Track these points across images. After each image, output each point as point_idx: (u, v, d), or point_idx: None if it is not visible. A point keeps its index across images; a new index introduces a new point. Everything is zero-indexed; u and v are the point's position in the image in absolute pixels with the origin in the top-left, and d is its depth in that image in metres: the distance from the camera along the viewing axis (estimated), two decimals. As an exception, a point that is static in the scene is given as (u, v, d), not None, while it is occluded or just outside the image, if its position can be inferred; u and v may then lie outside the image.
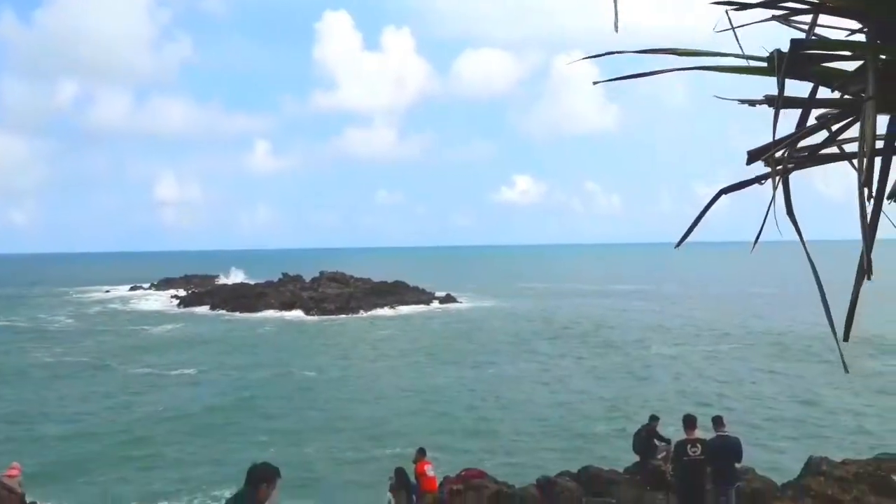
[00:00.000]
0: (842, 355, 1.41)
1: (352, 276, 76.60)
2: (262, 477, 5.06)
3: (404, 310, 65.56)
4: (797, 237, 1.47)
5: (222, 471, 19.95)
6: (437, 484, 12.25)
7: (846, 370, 1.43)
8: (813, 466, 12.72)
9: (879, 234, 1.40)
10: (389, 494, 12.26)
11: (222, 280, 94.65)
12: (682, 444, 8.80)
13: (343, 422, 26.82)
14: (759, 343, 43.50)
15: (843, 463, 12.79)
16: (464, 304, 71.50)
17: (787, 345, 42.17)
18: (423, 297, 72.63)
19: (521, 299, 78.05)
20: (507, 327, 54.12)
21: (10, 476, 12.72)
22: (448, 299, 72.77)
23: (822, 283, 1.42)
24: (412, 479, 12.27)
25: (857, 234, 1.33)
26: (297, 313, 63.25)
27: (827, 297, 1.42)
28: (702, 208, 1.61)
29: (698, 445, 9.13)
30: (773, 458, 19.62)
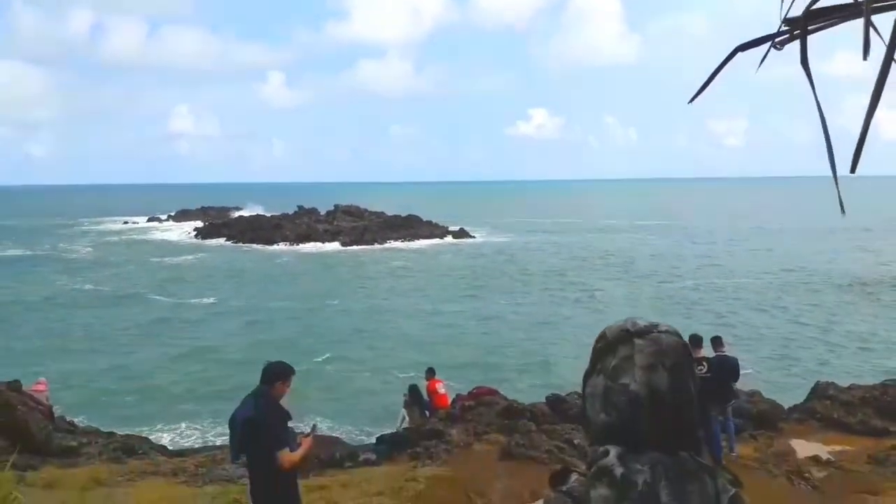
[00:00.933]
0: (839, 194, 1.41)
1: (366, 210, 76.67)
2: (277, 374, 5.22)
3: (417, 244, 65.76)
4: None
5: (243, 392, 20.53)
6: (449, 401, 12.57)
7: (843, 211, 1.44)
8: (819, 391, 12.89)
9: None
10: (403, 410, 12.62)
11: (238, 212, 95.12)
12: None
13: (359, 346, 27.48)
14: (780, 275, 43.46)
15: (850, 388, 12.95)
16: (477, 238, 71.55)
17: (808, 278, 42.10)
18: (437, 231, 72.66)
19: (536, 234, 78.04)
20: (521, 261, 54.32)
21: (37, 391, 13.17)
22: (461, 234, 72.79)
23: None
24: (425, 396, 12.62)
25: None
26: (312, 245, 63.72)
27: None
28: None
29: (704, 364, 9.29)
30: (781, 382, 19.90)
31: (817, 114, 1.44)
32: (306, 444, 5.31)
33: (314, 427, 5.73)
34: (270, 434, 5.03)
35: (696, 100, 1.67)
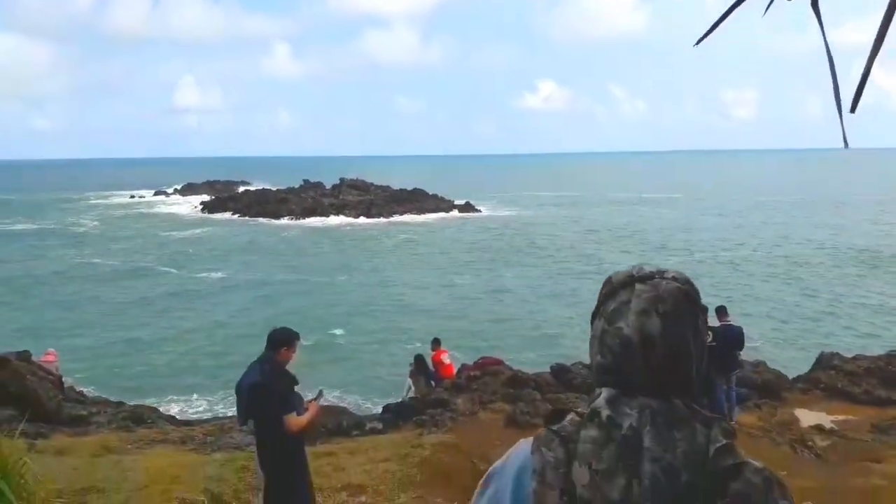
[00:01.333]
0: (843, 127, 1.40)
1: (372, 184, 76.56)
2: (282, 340, 5.28)
3: (423, 217, 65.71)
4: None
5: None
6: (455, 371, 12.68)
7: (846, 145, 1.43)
8: (824, 361, 12.94)
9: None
10: (409, 380, 12.73)
11: (244, 186, 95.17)
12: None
13: (366, 318, 27.70)
14: (789, 248, 43.33)
15: (855, 358, 12.99)
16: (483, 212, 71.43)
17: (817, 251, 41.97)
18: (443, 205, 72.51)
19: (543, 208, 77.87)
20: (528, 234, 54.29)
21: (46, 361, 13.35)
22: (467, 207, 72.68)
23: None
24: (431, 367, 12.73)
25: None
26: (318, 219, 63.79)
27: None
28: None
29: (709, 333, 9.35)
30: (786, 353, 19.97)
31: (829, 75, 1.43)
32: (313, 408, 5.39)
33: (321, 392, 5.80)
34: (277, 398, 5.11)
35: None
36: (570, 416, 1.31)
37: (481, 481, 1.37)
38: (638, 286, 1.29)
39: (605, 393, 1.27)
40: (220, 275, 38.40)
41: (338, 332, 25.62)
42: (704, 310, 1.34)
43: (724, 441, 1.21)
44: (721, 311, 10.49)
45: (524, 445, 1.33)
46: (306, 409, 5.33)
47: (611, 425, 1.22)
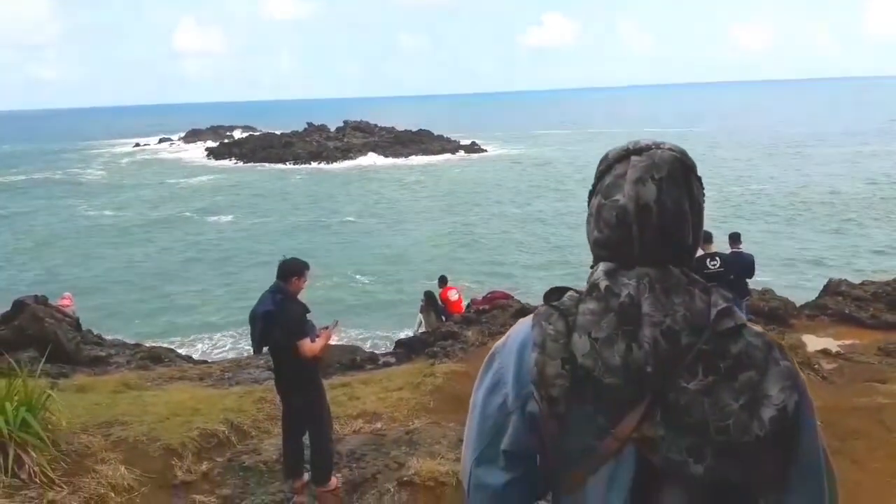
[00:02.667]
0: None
1: (376, 125, 75.81)
2: (293, 270, 5.35)
3: (429, 158, 65.22)
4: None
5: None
6: (464, 307, 12.83)
7: None
8: (832, 287, 13.00)
9: None
10: (420, 315, 12.92)
11: (249, 131, 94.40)
12: (700, 259, 8.98)
13: (376, 258, 27.95)
14: (802, 182, 42.92)
15: (862, 284, 13.03)
16: (490, 151, 70.79)
17: (830, 183, 41.55)
18: (448, 145, 71.81)
19: (549, 146, 77.07)
20: (534, 171, 53.94)
21: (63, 305, 13.56)
22: (473, 147, 72.08)
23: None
24: (439, 302, 12.89)
25: None
26: (324, 162, 63.46)
27: None
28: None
29: (717, 259, 9.33)
30: (794, 283, 20.03)
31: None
32: (326, 335, 5.50)
33: (336, 322, 5.91)
34: (290, 325, 5.22)
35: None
36: (568, 293, 1.34)
37: (486, 358, 1.40)
38: (633, 158, 1.29)
39: (602, 266, 1.29)
40: (230, 218, 38.68)
41: (348, 271, 25.86)
42: (699, 179, 1.34)
43: (724, 304, 1.23)
44: (734, 238, 10.37)
45: (525, 322, 1.35)
46: (319, 337, 5.45)
47: (609, 295, 1.24)
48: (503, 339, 1.39)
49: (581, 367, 1.22)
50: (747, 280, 10.46)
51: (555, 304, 1.31)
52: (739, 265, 10.06)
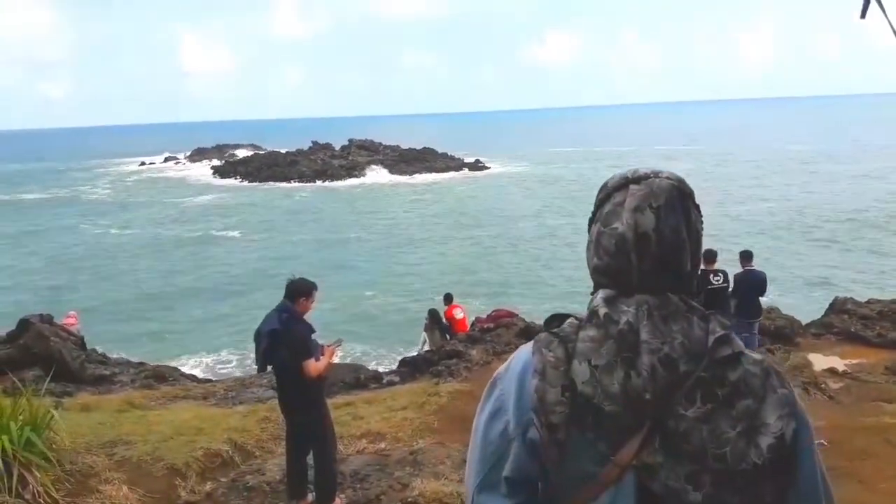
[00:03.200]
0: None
1: (381, 144, 76.22)
2: (300, 290, 5.39)
3: (433, 176, 65.48)
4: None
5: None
6: (468, 325, 12.81)
7: (863, 16, 1.45)
8: (837, 305, 12.95)
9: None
10: (424, 333, 12.88)
11: (254, 150, 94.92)
12: (704, 275, 8.99)
13: (381, 276, 27.98)
14: (809, 200, 42.91)
15: (868, 302, 12.98)
16: (494, 169, 71.02)
17: (835, 201, 41.53)
18: (453, 163, 72.13)
19: (555, 163, 77.25)
20: (538, 190, 54.04)
21: (68, 324, 13.61)
22: (477, 165, 72.39)
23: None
24: (444, 320, 12.86)
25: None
26: (329, 181, 63.73)
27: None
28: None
29: (720, 274, 9.34)
30: (800, 303, 19.94)
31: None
32: (329, 353, 5.52)
33: (339, 341, 5.94)
34: (296, 344, 5.25)
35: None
36: (569, 320, 1.35)
37: (487, 385, 1.41)
38: (632, 187, 1.32)
39: (602, 293, 1.31)
40: (236, 234, 38.86)
41: (353, 289, 25.88)
42: (697, 206, 1.36)
43: (722, 332, 1.24)
44: (745, 257, 10.26)
45: (525, 349, 1.37)
46: (323, 356, 5.47)
47: (608, 322, 1.25)
48: (504, 365, 1.40)
49: (581, 395, 1.24)
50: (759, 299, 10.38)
51: (555, 330, 1.33)
52: (751, 283, 9.99)
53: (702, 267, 9.99)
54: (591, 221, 1.39)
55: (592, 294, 1.35)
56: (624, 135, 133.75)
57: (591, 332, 1.27)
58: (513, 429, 1.31)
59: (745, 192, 46.77)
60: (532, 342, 1.36)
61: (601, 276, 1.34)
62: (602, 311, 1.28)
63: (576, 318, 1.36)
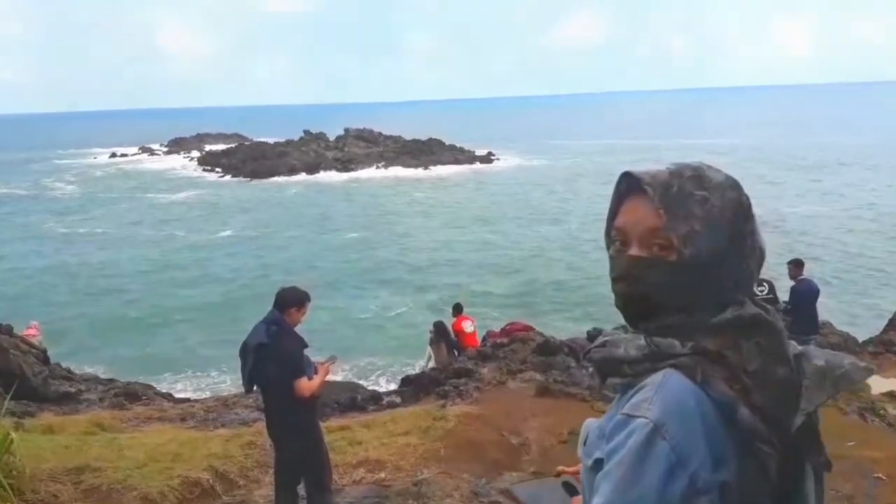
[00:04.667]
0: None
1: (380, 134, 76.42)
2: (292, 300, 5.37)
3: (440, 170, 65.61)
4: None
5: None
6: (479, 340, 12.79)
7: None
8: (897, 321, 12.86)
9: None
10: (429, 348, 12.85)
11: (240, 140, 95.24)
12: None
13: (381, 283, 28.00)
14: (860, 201, 42.75)
15: (933, 317, 12.88)
16: (508, 162, 71.13)
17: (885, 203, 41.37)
18: (462, 156, 72.32)
19: (575, 157, 77.25)
20: (558, 188, 54.02)
21: (29, 335, 13.66)
22: (489, 158, 72.49)
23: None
24: (451, 334, 12.83)
25: None
26: (323, 175, 63.91)
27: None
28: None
29: (765, 285, 9.26)
30: (856, 315, 19.84)
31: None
32: (323, 370, 5.50)
33: (332, 357, 5.92)
34: (286, 360, 5.23)
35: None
36: (669, 341, 1.33)
37: (635, 444, 1.26)
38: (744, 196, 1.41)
39: (750, 306, 1.36)
40: (225, 233, 39.04)
41: (348, 298, 25.89)
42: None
43: (801, 349, 1.40)
44: (797, 264, 10.20)
45: (674, 381, 1.28)
46: (316, 373, 5.45)
47: (772, 335, 1.33)
48: (654, 408, 1.27)
49: (773, 418, 1.27)
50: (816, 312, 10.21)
51: (708, 349, 1.31)
52: (807, 295, 9.80)
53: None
54: (735, 237, 1.36)
55: (703, 311, 1.34)
56: (648, 124, 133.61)
57: (752, 351, 1.30)
58: (706, 480, 1.24)
59: (779, 193, 46.62)
60: (671, 372, 1.30)
61: (743, 289, 1.38)
62: (750, 310, 1.34)
63: (624, 330, 1.41)
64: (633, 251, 1.37)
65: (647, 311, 1.37)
